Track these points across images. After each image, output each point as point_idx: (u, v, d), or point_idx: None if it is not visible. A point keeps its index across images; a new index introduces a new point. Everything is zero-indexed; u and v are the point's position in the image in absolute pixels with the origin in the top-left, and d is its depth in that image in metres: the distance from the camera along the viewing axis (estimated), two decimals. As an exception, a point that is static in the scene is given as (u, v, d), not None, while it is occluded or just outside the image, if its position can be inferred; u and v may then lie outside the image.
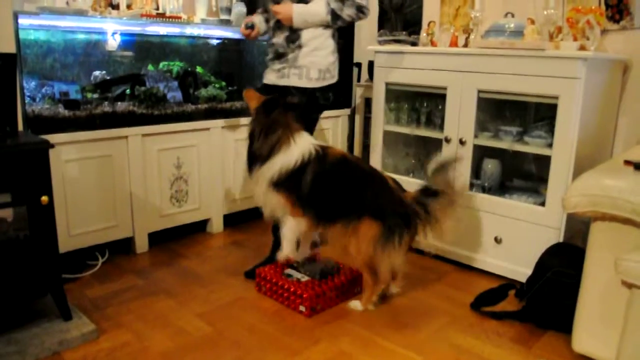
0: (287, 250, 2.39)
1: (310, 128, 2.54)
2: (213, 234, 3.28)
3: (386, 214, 2.25)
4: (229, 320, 2.30)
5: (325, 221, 2.34)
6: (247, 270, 2.73)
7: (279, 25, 2.53)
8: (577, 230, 2.56)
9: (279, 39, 2.54)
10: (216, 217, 3.28)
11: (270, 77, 2.62)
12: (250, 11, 3.08)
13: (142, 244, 2.98)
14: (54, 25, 2.86)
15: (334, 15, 2.47)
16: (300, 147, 2.31)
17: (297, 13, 2.44)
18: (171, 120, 2.96)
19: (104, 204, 2.78)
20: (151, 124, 2.88)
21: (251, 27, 2.60)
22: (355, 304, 2.44)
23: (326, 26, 2.51)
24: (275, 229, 2.62)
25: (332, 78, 2.59)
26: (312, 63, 2.52)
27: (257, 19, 2.66)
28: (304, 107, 2.49)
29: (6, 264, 2.06)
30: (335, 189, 2.31)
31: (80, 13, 2.71)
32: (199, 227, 3.29)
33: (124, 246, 2.96)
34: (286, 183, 2.29)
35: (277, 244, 2.62)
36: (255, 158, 2.34)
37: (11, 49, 2.26)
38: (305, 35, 2.50)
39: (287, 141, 2.31)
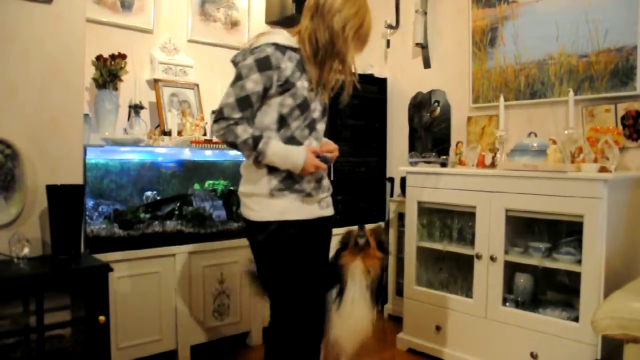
0: None
1: None
2: (253, 347, 3.35)
3: None
4: None
5: None
6: None
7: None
8: (616, 345, 2.56)
9: None
10: (256, 330, 3.37)
11: (313, 210, 2.13)
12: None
13: (184, 357, 3.07)
14: (112, 150, 3.13)
15: None
16: None
17: None
18: (216, 239, 3.16)
19: (150, 317, 2.92)
20: (197, 242, 3.08)
21: (326, 159, 2.11)
22: None
23: None
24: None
25: None
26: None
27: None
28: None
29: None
30: None
31: (138, 142, 3.00)
32: (240, 340, 3.38)
33: (167, 359, 3.06)
34: None
35: None
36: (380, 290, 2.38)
37: (79, 179, 2.53)
38: None
39: None
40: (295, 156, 1.99)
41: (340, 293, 2.32)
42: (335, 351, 2.44)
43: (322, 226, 2.18)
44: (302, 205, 2.07)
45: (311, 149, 2.04)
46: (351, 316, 2.30)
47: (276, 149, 1.98)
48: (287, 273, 2.07)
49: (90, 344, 2.26)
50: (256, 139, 1.96)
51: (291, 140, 2.04)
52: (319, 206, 2.15)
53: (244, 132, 1.96)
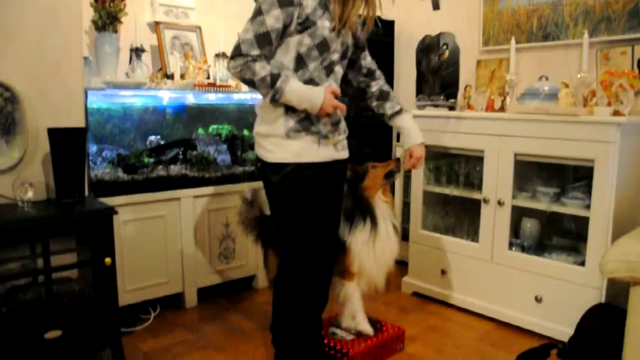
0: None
1: None
2: (259, 290, 3.40)
3: None
4: (276, 378, 2.38)
5: None
6: None
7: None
8: (621, 290, 2.57)
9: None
10: (262, 274, 3.38)
11: (329, 152, 2.10)
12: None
13: (191, 299, 3.12)
14: (114, 94, 3.08)
15: None
16: None
17: None
18: (221, 183, 3.14)
19: (157, 261, 2.95)
20: (202, 186, 3.07)
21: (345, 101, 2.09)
22: None
23: None
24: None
25: None
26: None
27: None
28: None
29: (71, 319, 2.23)
30: None
31: (140, 86, 2.94)
32: (246, 283, 3.42)
33: (174, 301, 3.10)
34: None
35: None
36: None
37: (81, 123, 2.49)
38: None
39: None
40: (313, 96, 1.94)
41: (374, 228, 2.36)
42: (367, 285, 2.51)
43: (337, 169, 2.17)
44: (318, 147, 2.04)
45: (330, 89, 1.98)
46: (384, 252, 2.39)
47: (294, 87, 1.92)
48: (300, 214, 2.06)
49: (97, 285, 2.28)
50: (274, 77, 1.89)
51: (309, 82, 1.99)
52: (334, 149, 2.13)
53: (262, 69, 1.89)
